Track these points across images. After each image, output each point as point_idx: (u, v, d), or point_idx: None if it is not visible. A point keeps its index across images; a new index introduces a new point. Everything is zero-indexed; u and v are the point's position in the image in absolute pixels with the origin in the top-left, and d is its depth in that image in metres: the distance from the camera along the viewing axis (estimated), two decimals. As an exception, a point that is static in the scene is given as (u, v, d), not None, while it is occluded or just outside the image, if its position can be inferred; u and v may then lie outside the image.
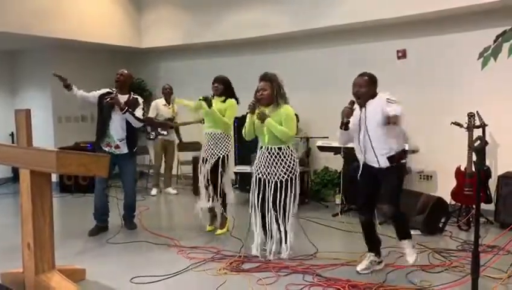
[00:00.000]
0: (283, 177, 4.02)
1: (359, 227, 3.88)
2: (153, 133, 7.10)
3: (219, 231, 4.93)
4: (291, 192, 4.04)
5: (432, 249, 4.26)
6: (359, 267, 3.76)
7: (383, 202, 3.64)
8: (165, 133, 7.12)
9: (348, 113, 3.56)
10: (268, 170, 4.06)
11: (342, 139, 3.78)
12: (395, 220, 3.70)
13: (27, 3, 6.42)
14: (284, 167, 4.02)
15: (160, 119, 7.07)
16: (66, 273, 3.41)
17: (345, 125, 3.59)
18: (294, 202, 4.08)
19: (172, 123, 7.16)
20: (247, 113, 4.12)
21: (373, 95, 3.62)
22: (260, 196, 4.11)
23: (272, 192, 4.04)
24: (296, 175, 4.08)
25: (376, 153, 3.58)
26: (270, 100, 4.04)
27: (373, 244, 3.81)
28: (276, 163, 4.03)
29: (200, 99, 4.73)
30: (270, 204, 4.04)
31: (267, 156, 4.06)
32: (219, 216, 4.99)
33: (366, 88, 3.58)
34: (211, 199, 4.84)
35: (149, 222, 5.46)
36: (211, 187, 4.81)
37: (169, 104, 7.18)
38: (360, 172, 3.74)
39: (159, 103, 7.16)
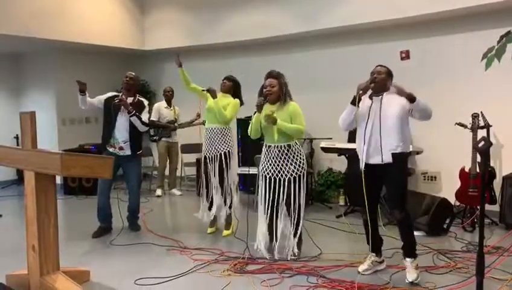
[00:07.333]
0: (296, 173, 4.03)
1: (363, 228, 3.87)
2: (156, 136, 7.14)
3: (225, 232, 4.93)
4: (303, 189, 4.05)
5: (437, 250, 4.25)
6: (361, 268, 3.77)
7: (393, 207, 3.64)
8: (168, 135, 7.14)
9: (365, 87, 3.53)
10: (278, 168, 4.05)
11: (347, 120, 3.65)
12: (402, 224, 3.64)
13: (30, 6, 6.45)
14: (295, 163, 4.04)
15: (162, 121, 7.09)
16: (71, 274, 3.42)
17: (358, 101, 3.52)
18: (304, 199, 4.07)
19: (175, 125, 7.18)
20: (254, 112, 4.10)
21: (388, 88, 3.62)
22: (270, 196, 4.08)
23: (285, 190, 4.03)
24: (304, 172, 4.10)
25: (382, 146, 3.52)
26: (277, 97, 4.06)
27: (375, 243, 3.78)
28: (288, 160, 4.03)
29: (203, 90, 4.84)
30: (283, 202, 4.04)
31: (277, 154, 4.05)
32: (222, 219, 4.96)
33: (384, 75, 3.60)
34: (214, 204, 4.84)
35: (153, 223, 5.47)
36: (215, 190, 4.79)
37: (170, 106, 7.20)
38: (361, 172, 3.64)
39: (161, 105, 7.18)
